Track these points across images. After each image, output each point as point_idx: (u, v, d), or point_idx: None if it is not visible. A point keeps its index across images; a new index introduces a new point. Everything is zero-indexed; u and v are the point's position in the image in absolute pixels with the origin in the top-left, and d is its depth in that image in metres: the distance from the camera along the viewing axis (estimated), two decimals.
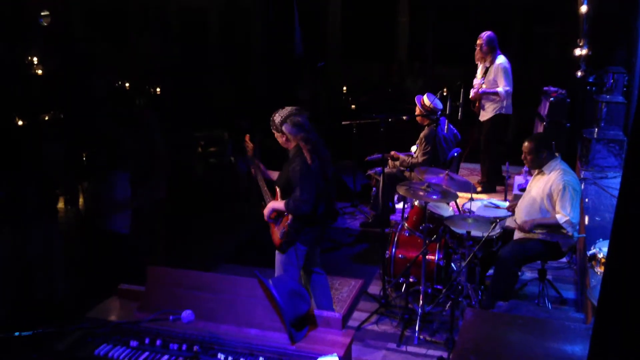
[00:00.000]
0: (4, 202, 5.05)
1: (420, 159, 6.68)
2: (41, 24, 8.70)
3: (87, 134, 7.14)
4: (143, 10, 13.02)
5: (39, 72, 9.38)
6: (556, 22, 10.10)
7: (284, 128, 4.39)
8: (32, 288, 5.20)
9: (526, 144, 5.14)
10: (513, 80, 7.59)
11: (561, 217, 4.85)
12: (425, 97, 6.71)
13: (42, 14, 8.65)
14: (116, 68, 10.88)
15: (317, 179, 4.38)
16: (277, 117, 4.43)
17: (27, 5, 9.23)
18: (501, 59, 7.49)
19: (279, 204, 4.49)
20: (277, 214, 4.57)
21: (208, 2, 12.88)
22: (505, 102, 7.54)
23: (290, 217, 4.46)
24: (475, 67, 7.88)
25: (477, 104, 7.73)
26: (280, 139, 4.50)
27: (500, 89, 7.43)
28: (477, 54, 7.63)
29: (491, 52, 7.50)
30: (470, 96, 7.72)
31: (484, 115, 7.74)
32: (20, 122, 7.36)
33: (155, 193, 6.13)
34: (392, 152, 7.04)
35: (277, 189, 4.60)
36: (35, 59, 9.39)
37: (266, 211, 4.58)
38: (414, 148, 7.07)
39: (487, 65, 7.58)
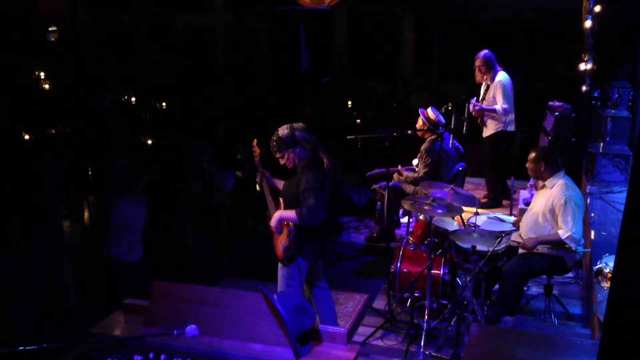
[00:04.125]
0: (9, 215, 5.07)
1: (421, 172, 6.69)
2: (49, 39, 8.78)
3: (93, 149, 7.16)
4: (151, 26, 13.16)
5: (46, 86, 9.44)
6: (561, 38, 10.13)
7: (296, 134, 4.39)
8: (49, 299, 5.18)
9: (530, 154, 5.20)
10: (518, 96, 7.58)
11: (563, 232, 4.84)
12: (429, 110, 6.73)
13: (50, 29, 8.72)
14: (123, 83, 10.96)
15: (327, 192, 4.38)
16: (282, 131, 4.43)
17: (35, 21, 9.32)
18: (500, 76, 7.43)
19: (288, 213, 4.41)
20: (282, 224, 4.55)
21: (214, 19, 13.00)
22: (505, 119, 7.50)
23: (292, 231, 4.44)
24: (480, 84, 7.88)
25: (478, 120, 7.73)
26: (291, 155, 4.45)
27: (497, 107, 7.41)
28: (477, 74, 7.63)
29: (489, 70, 7.47)
30: (472, 112, 7.72)
31: (486, 132, 7.72)
32: (26, 137, 7.39)
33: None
34: (399, 168, 7.05)
35: (281, 201, 4.59)
36: (42, 74, 9.46)
37: (274, 222, 4.51)
38: (415, 161, 7.08)
39: (489, 82, 7.57)
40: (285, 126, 4.47)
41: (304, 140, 4.42)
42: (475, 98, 7.63)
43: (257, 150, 4.83)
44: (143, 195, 5.49)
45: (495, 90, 7.43)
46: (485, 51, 7.48)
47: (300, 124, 4.49)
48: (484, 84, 7.70)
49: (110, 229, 5.37)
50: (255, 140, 4.86)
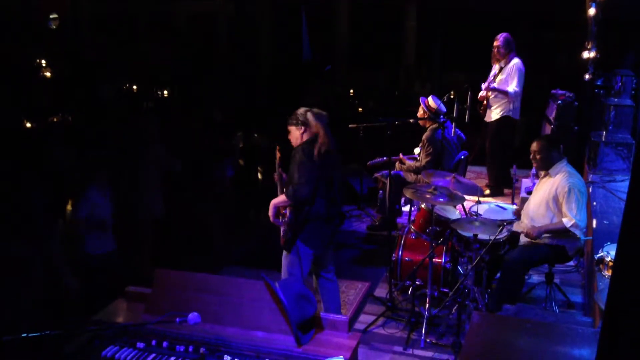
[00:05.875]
0: (11, 204, 5.07)
1: (423, 162, 6.68)
2: (50, 27, 8.75)
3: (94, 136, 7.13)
4: (152, 14, 13.10)
5: (48, 74, 9.42)
6: (564, 27, 10.09)
7: (308, 115, 4.46)
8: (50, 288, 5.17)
9: (535, 143, 5.14)
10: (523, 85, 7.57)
11: (568, 221, 4.83)
12: (430, 99, 6.71)
13: (51, 16, 8.70)
14: (124, 71, 10.93)
15: (317, 170, 4.40)
16: (302, 109, 4.53)
17: (37, 8, 9.29)
18: (516, 60, 7.49)
19: (278, 198, 4.55)
20: (281, 213, 4.59)
21: (216, 8, 12.95)
22: (512, 105, 7.51)
23: (288, 213, 4.47)
24: (485, 72, 7.85)
25: (484, 103, 7.70)
26: (297, 132, 4.52)
27: (509, 88, 7.41)
28: (494, 55, 7.61)
29: (508, 53, 7.50)
30: (478, 96, 7.70)
31: (490, 117, 7.71)
32: (28, 125, 7.39)
33: (151, 209, 6.05)
34: (401, 156, 7.04)
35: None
36: (43, 62, 9.43)
37: (270, 211, 4.59)
38: (416, 150, 7.07)
39: (502, 65, 7.56)
40: (306, 108, 4.57)
41: (315, 119, 4.49)
42: (491, 77, 7.59)
43: (278, 155, 4.93)
44: (109, 185, 5.35)
45: (511, 73, 7.47)
46: (504, 34, 7.53)
47: (319, 111, 4.58)
48: (495, 68, 7.68)
49: (79, 223, 5.26)
50: (278, 146, 4.97)
